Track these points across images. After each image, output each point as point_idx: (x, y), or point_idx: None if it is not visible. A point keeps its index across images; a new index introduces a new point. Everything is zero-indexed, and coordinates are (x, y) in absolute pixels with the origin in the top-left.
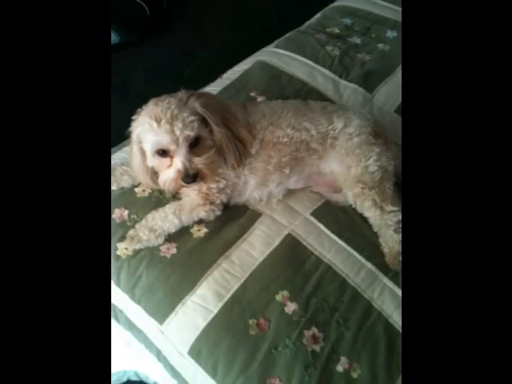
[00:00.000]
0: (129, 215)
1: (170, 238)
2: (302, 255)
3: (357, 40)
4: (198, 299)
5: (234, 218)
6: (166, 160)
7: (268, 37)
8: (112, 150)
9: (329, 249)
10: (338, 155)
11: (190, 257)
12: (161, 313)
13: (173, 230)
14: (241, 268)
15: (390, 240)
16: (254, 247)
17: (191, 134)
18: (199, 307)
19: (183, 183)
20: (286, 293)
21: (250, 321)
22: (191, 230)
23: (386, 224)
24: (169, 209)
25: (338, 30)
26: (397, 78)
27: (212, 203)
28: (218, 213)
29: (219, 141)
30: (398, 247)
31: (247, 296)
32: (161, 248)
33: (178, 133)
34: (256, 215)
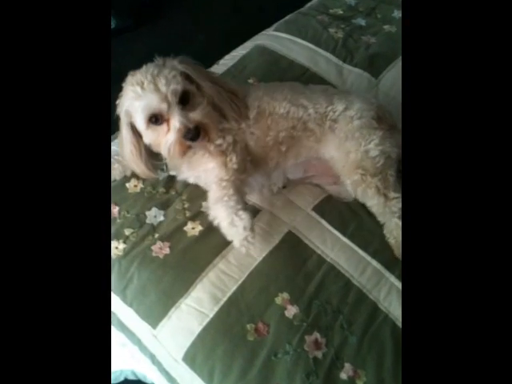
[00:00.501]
0: (119, 212)
1: (162, 237)
2: (304, 254)
3: (361, 21)
4: (192, 302)
5: None
6: (163, 127)
7: (266, 20)
8: None
9: (332, 246)
10: (337, 139)
11: (183, 257)
12: (153, 316)
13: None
14: (238, 268)
15: (395, 229)
16: (253, 245)
17: (178, 87)
18: (194, 311)
19: (188, 141)
20: (286, 295)
21: (248, 325)
22: (185, 228)
23: (391, 211)
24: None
25: (341, 11)
26: None
27: (233, 171)
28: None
29: (210, 96)
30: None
31: (245, 299)
32: (153, 248)
33: (163, 89)
34: (255, 211)
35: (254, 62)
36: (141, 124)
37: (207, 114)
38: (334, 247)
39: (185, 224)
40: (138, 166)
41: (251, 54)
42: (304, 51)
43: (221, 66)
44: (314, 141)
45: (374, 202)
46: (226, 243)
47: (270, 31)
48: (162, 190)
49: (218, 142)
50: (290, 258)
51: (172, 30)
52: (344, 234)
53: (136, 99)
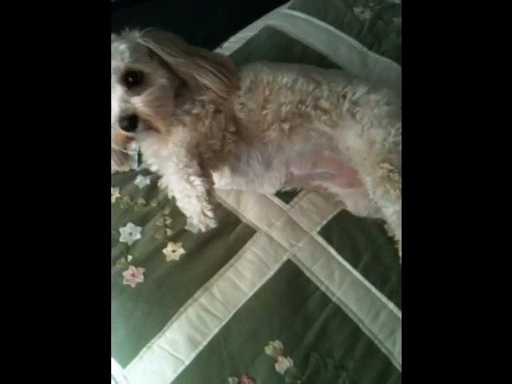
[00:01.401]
0: None
1: (136, 261)
2: (305, 290)
3: None
4: (166, 344)
5: (220, 235)
6: None
7: None
8: None
9: (340, 282)
10: (359, 125)
11: (159, 288)
12: (123, 355)
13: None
14: (223, 305)
15: None
16: (243, 277)
17: (121, 65)
18: (168, 355)
19: (125, 132)
20: (278, 344)
21: (230, 379)
22: (164, 251)
23: None
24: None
25: None
26: None
27: (199, 133)
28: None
29: (184, 74)
30: None
31: (229, 345)
32: (124, 274)
33: None
34: (249, 232)
35: (262, 47)
36: None
37: (153, 101)
38: (343, 283)
39: (164, 245)
40: None
41: (260, 37)
42: (322, 35)
43: (224, 50)
44: (327, 124)
45: (395, 209)
46: (211, 272)
47: (283, 9)
48: (141, 201)
49: (196, 111)
50: (288, 296)
51: (181, 4)
52: (356, 266)
53: None
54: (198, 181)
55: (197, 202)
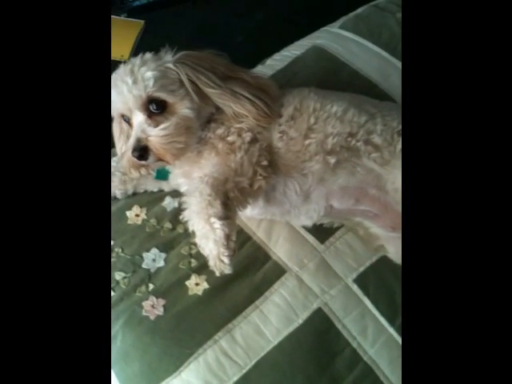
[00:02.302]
0: (112, 248)
1: (157, 291)
2: (334, 345)
3: None
4: None
5: (246, 271)
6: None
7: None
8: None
9: (373, 339)
10: None
11: (179, 323)
12: None
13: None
14: (245, 352)
15: None
16: (268, 322)
17: (142, 93)
18: None
19: (137, 161)
20: None
21: None
22: (187, 283)
23: None
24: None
25: None
26: None
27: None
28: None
29: (220, 104)
30: None
31: None
32: (144, 304)
33: (125, 92)
34: (278, 271)
35: (307, 68)
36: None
37: (166, 136)
38: (377, 341)
39: (188, 277)
40: (122, 159)
41: (306, 57)
42: (374, 60)
43: (266, 68)
44: (377, 162)
45: None
46: (235, 313)
47: (334, 28)
48: (167, 225)
49: (231, 138)
50: (315, 350)
51: (229, 2)
52: (392, 323)
53: (112, 97)
54: (217, 224)
55: (214, 246)
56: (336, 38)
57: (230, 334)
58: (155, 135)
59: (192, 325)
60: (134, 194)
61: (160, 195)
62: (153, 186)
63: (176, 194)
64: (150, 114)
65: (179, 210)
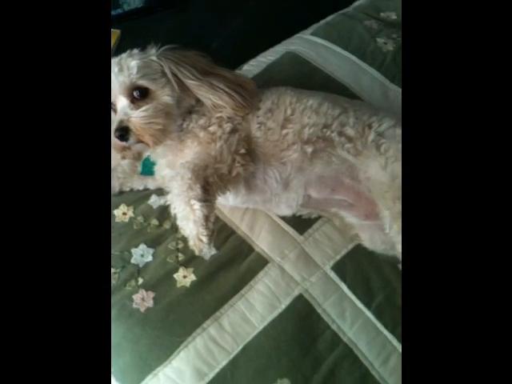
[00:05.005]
0: None
1: (147, 285)
2: (315, 328)
3: None
4: (172, 373)
5: (231, 263)
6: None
7: (308, 16)
8: None
9: (351, 322)
10: (383, 158)
11: (168, 314)
12: (128, 380)
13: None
14: (232, 338)
15: None
16: (253, 309)
17: (126, 80)
18: None
19: (119, 142)
20: (286, 382)
21: None
22: (175, 276)
23: None
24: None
25: (395, 16)
26: None
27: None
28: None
29: (199, 95)
30: None
31: (236, 381)
32: (134, 297)
33: (113, 78)
34: (261, 262)
35: (283, 73)
36: None
37: (146, 117)
38: (355, 323)
39: (175, 270)
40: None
41: (281, 62)
42: (345, 64)
43: (243, 73)
44: (350, 152)
45: None
46: (221, 302)
47: (306, 34)
48: (154, 222)
49: (212, 128)
50: (298, 334)
51: (206, 10)
52: (368, 306)
53: None
54: (197, 205)
55: (193, 226)
56: (308, 44)
57: (217, 321)
58: (136, 116)
59: (181, 315)
60: (121, 192)
61: (146, 193)
62: (139, 184)
63: (161, 192)
64: (133, 100)
65: (165, 208)
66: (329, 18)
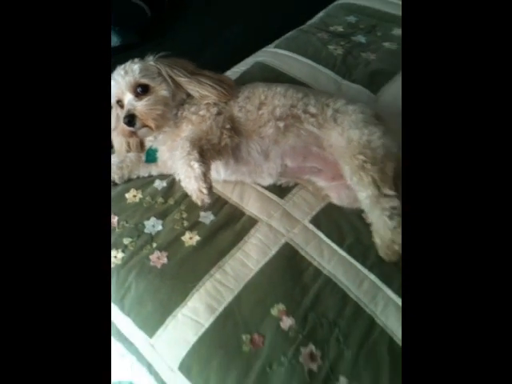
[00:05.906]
0: (118, 222)
1: (160, 247)
2: (300, 266)
3: (361, 38)
4: (188, 312)
5: (228, 225)
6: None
7: (272, 35)
8: None
9: (329, 259)
10: (340, 128)
11: (180, 267)
12: (150, 326)
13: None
14: (235, 279)
15: (383, 227)
16: (250, 257)
17: (131, 79)
18: (190, 321)
19: (127, 127)
20: (282, 306)
21: (244, 336)
22: (183, 238)
23: (382, 207)
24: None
25: (341, 29)
26: None
27: (200, 131)
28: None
29: (189, 89)
30: (390, 234)
31: (241, 310)
32: (150, 257)
33: (119, 79)
34: (252, 222)
35: (254, 79)
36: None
37: (148, 105)
38: (331, 259)
39: (182, 234)
40: (117, 142)
41: (252, 71)
42: (304, 68)
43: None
44: (314, 125)
45: (367, 193)
46: (223, 253)
47: (270, 48)
48: (160, 200)
49: (202, 112)
50: (287, 270)
51: (178, 45)
52: (341, 246)
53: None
54: (196, 165)
55: (194, 182)
56: (273, 55)
57: (221, 268)
58: (140, 105)
59: (192, 266)
60: (129, 180)
61: (151, 179)
62: (144, 171)
63: (163, 177)
64: (137, 94)
65: (168, 188)
66: (288, 34)
